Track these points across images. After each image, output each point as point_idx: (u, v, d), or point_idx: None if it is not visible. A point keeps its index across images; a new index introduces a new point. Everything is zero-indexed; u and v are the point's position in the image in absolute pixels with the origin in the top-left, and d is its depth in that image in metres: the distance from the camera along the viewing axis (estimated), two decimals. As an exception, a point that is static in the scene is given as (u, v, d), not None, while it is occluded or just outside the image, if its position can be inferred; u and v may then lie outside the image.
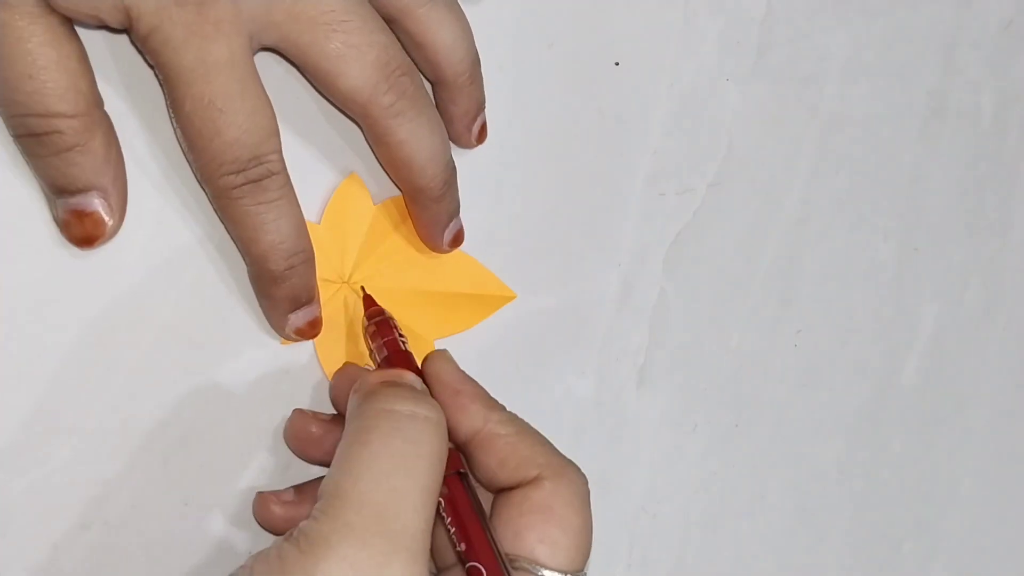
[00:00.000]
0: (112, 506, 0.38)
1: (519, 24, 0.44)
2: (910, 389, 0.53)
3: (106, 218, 0.36)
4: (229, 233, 0.37)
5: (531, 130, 0.44)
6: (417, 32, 0.38)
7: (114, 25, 0.35)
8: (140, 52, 0.36)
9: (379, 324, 0.39)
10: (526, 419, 0.38)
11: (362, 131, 0.40)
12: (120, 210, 0.37)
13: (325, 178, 0.40)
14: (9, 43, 0.33)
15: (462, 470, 0.36)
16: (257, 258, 0.37)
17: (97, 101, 0.35)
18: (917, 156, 0.52)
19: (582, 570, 0.36)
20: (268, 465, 0.40)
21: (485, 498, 0.37)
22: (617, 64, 0.46)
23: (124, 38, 0.37)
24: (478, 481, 0.38)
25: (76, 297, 0.37)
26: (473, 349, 0.42)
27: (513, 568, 0.35)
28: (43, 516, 0.37)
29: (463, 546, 0.35)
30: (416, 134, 0.38)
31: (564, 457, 0.37)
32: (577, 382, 0.46)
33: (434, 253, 0.42)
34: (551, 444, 0.38)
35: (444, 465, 0.34)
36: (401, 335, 0.39)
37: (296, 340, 0.39)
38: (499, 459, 0.37)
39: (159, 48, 0.34)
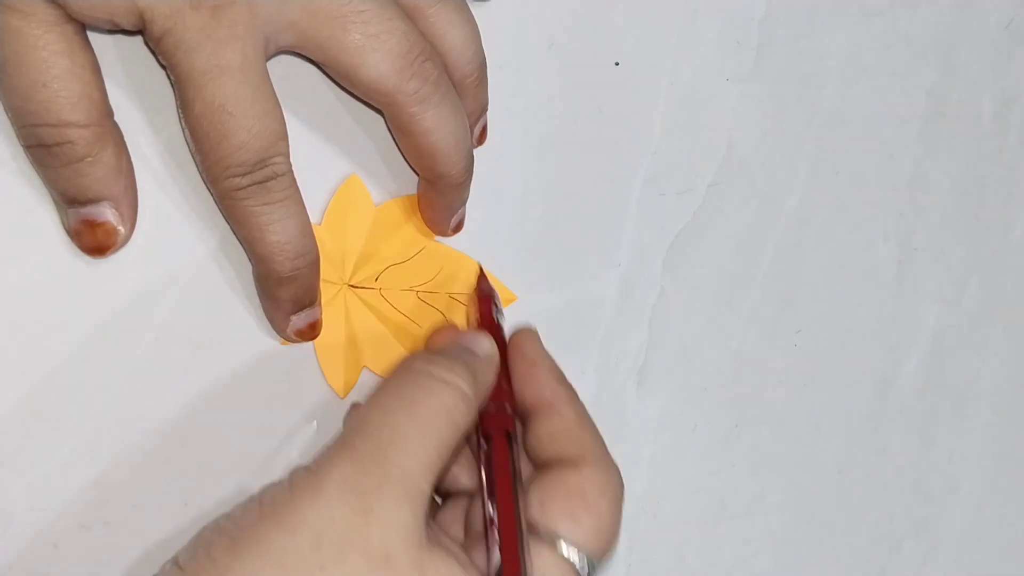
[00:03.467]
0: (112, 506, 0.38)
1: (519, 24, 0.44)
2: (910, 389, 0.53)
3: (118, 227, 0.36)
4: (237, 236, 0.37)
5: (531, 130, 0.44)
6: (427, 32, 0.38)
7: (127, 28, 0.34)
8: (152, 52, 0.36)
9: (481, 298, 0.40)
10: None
11: (385, 121, 0.39)
12: (131, 219, 0.37)
13: (326, 179, 0.40)
14: (23, 51, 0.33)
15: (510, 431, 0.37)
16: (263, 258, 0.37)
17: (108, 111, 0.35)
18: (917, 156, 0.52)
19: (598, 559, 0.36)
20: (269, 465, 0.40)
21: (525, 469, 0.38)
22: (617, 64, 0.46)
23: (130, 43, 0.37)
24: (525, 449, 0.38)
25: (77, 297, 0.37)
26: (473, 349, 0.42)
27: (532, 534, 0.35)
28: (43, 516, 0.37)
29: (487, 495, 0.35)
30: (442, 120, 0.38)
31: (611, 457, 0.38)
32: (577, 382, 0.46)
33: (435, 256, 0.42)
34: (604, 442, 0.38)
35: (459, 431, 0.34)
36: (500, 309, 0.40)
37: (296, 341, 0.39)
38: (551, 432, 0.37)
39: (172, 50, 0.34)
